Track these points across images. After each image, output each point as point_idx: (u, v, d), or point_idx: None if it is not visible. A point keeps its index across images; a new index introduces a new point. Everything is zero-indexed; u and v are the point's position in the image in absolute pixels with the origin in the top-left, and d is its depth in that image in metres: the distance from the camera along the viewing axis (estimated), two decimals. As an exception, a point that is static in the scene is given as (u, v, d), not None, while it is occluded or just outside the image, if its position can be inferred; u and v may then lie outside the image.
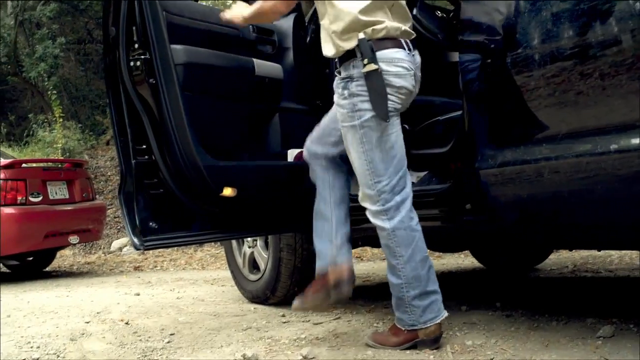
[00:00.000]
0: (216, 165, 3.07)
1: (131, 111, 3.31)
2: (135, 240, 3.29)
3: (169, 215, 3.42)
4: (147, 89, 3.24)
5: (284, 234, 4.27)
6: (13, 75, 16.72)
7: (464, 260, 6.70)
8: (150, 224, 3.33)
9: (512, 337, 3.20)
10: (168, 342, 3.68)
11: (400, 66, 2.92)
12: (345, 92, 2.98)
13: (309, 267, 4.31)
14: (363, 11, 2.90)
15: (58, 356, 3.50)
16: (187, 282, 6.34)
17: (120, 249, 9.65)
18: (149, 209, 3.34)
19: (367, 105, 2.92)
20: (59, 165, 8.20)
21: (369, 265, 6.92)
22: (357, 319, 3.94)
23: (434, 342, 3.07)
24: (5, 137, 15.47)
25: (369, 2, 2.91)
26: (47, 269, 8.51)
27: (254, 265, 4.69)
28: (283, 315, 4.16)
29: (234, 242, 4.87)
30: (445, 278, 5.57)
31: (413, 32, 3.09)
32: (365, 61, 2.86)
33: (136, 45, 3.25)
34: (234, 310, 4.52)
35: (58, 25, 17.80)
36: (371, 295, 4.70)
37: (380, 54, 2.89)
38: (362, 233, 3.99)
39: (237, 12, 3.36)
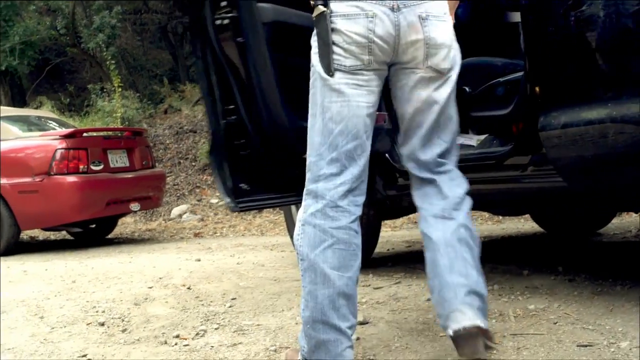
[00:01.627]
0: (302, 126, 2.95)
1: (219, 71, 3.26)
2: (229, 201, 3.19)
3: (258, 176, 3.35)
4: (234, 48, 3.18)
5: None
6: (72, 46, 16.91)
7: (524, 224, 6.62)
8: (242, 185, 3.26)
9: (575, 301, 3.16)
10: (230, 306, 3.71)
11: (354, 6, 2.32)
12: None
13: (367, 231, 4.32)
14: None
15: (123, 320, 3.56)
16: (246, 248, 6.39)
17: (180, 215, 9.76)
18: (239, 170, 3.27)
19: (316, 59, 2.40)
20: (119, 134, 8.30)
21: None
22: (418, 283, 3.93)
23: None
24: (66, 107, 15.69)
25: None
26: (109, 236, 8.65)
27: (313, 231, 4.69)
28: (343, 280, 4.16)
29: (293, 208, 4.88)
30: (506, 242, 5.53)
31: None
32: (312, 3, 2.38)
33: (223, 3, 3.18)
34: (294, 275, 4.54)
35: (114, -6, 17.96)
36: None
37: None
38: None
39: None
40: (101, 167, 7.29)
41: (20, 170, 7.04)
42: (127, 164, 7.71)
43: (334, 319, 2.28)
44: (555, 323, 2.82)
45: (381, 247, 5.17)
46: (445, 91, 2.45)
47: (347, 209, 2.35)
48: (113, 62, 14.28)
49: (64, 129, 7.89)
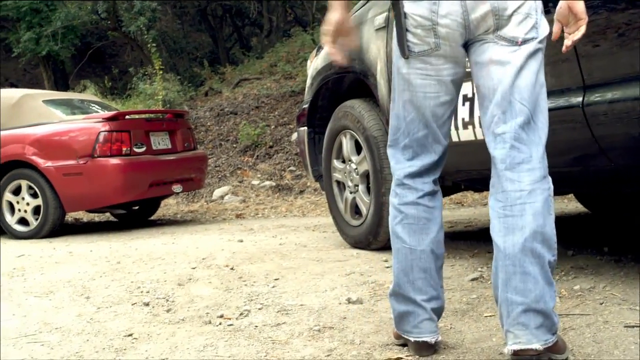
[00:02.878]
0: None
1: None
2: None
3: None
4: None
5: (387, 178, 4.24)
6: (113, 30, 17.05)
7: (568, 204, 6.56)
8: None
9: (621, 282, 3.13)
10: (273, 286, 3.73)
11: None
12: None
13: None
14: None
15: (167, 300, 3.59)
16: (288, 229, 6.41)
17: (222, 197, 9.80)
18: None
19: (394, 43, 2.39)
20: (161, 116, 8.34)
21: (469, 210, 6.85)
22: (461, 263, 3.92)
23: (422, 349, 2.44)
24: (109, 90, 15.83)
25: None
26: (152, 217, 8.72)
27: (355, 211, 4.70)
28: (386, 260, 4.16)
29: (335, 188, 4.89)
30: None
31: None
32: None
33: None
34: (337, 255, 4.55)
35: (155, -21, 18.05)
36: (474, 240, 4.66)
37: None
38: (464, 175, 3.96)
39: (329, 20, 2.47)
40: (144, 149, 7.34)
41: (65, 153, 7.11)
42: (169, 146, 7.76)
43: (408, 292, 2.40)
44: (602, 304, 2.80)
45: (423, 228, 5.14)
46: (522, 54, 2.22)
47: (413, 186, 2.42)
48: (154, 45, 14.37)
49: (106, 112, 7.95)
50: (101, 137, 6.96)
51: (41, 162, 7.09)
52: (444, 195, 5.00)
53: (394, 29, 2.37)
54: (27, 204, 7.25)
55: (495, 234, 2.26)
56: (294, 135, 10.44)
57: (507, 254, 2.19)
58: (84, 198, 7.15)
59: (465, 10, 2.21)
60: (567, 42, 2.29)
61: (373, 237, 4.46)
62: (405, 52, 2.31)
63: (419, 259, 2.38)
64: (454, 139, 3.61)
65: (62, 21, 15.98)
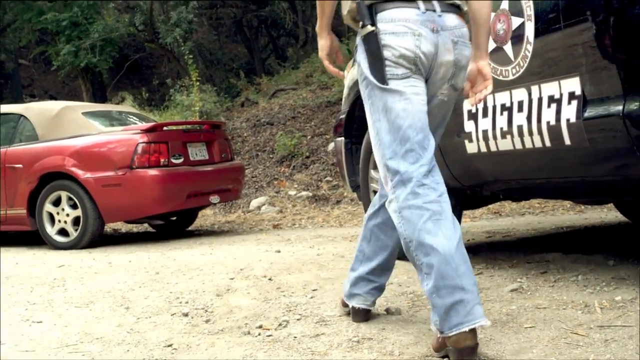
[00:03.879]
0: None
1: None
2: None
3: None
4: None
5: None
6: (150, 42, 17.19)
7: (607, 214, 6.49)
8: None
9: (664, 292, 3.09)
10: (311, 297, 3.73)
11: (401, 25, 2.66)
12: (356, 60, 2.84)
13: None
14: None
15: (206, 311, 3.61)
16: (325, 239, 6.41)
17: (259, 207, 9.83)
18: None
19: (368, 72, 2.73)
20: (199, 127, 8.40)
21: (507, 220, 6.80)
22: (500, 274, 3.89)
23: (464, 354, 2.47)
24: (146, 102, 15.96)
25: None
26: (189, 228, 8.77)
27: (393, 222, 4.68)
28: (424, 271, 4.14)
29: (373, 198, 4.87)
30: (589, 232, 5.43)
31: None
32: (361, 24, 2.73)
33: None
34: (374, 266, 4.53)
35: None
36: (512, 250, 4.62)
37: (380, 15, 2.70)
38: (503, 185, 3.94)
39: (322, 46, 3.05)
40: (181, 160, 7.39)
41: (103, 164, 7.19)
42: (207, 157, 7.81)
43: (455, 280, 2.49)
44: (644, 314, 2.76)
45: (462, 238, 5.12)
46: (449, 107, 2.92)
47: (431, 186, 2.63)
48: (190, 56, 14.47)
49: (144, 123, 8.02)
50: (139, 149, 7.03)
51: (81, 174, 7.17)
52: (482, 205, 5.00)
53: (362, 60, 2.75)
54: (67, 214, 7.33)
55: None
56: (331, 146, 10.44)
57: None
58: (123, 209, 7.21)
59: (436, 52, 2.69)
60: (476, 98, 2.85)
61: (411, 248, 4.44)
62: (385, 80, 2.68)
63: (456, 248, 2.53)
64: (492, 148, 3.60)
65: (100, 34, 16.15)
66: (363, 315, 3.16)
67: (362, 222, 7.48)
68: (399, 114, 2.67)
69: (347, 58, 5.38)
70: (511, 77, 3.44)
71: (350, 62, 5.26)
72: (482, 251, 4.70)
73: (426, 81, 2.75)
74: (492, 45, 3.53)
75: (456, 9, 2.80)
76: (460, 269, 2.50)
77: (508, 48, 3.45)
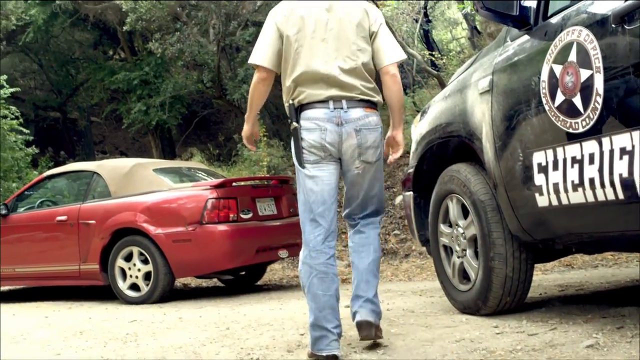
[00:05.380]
0: None
1: None
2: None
3: None
4: None
5: (495, 242, 4.20)
6: (218, 98, 17.47)
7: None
8: None
9: None
10: (382, 354, 3.71)
11: (313, 122, 3.73)
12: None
13: (521, 276, 4.24)
14: (292, 86, 3.83)
15: (278, 367, 3.61)
16: (395, 294, 6.37)
17: (327, 262, 9.81)
18: None
19: (294, 156, 3.80)
20: (267, 183, 8.48)
21: (580, 273, 6.67)
22: (574, 329, 3.81)
23: None
24: (215, 157, 16.18)
25: (293, 78, 3.81)
26: (258, 282, 8.80)
27: (464, 276, 4.64)
28: (496, 326, 4.08)
29: (442, 253, 4.85)
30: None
31: (357, 95, 3.80)
32: (289, 121, 3.81)
33: None
34: (445, 321, 4.49)
35: (256, 47, 18.43)
36: (587, 304, 4.53)
37: (302, 114, 3.78)
38: (575, 238, 3.89)
39: (245, 130, 4.18)
40: (250, 215, 7.46)
41: (174, 220, 7.30)
42: (275, 212, 7.87)
43: (322, 322, 3.66)
44: None
45: (533, 292, 5.04)
46: (369, 175, 3.95)
47: (323, 250, 3.74)
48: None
49: (214, 179, 8.13)
50: (209, 204, 7.12)
51: (152, 229, 7.28)
52: (554, 259, 4.94)
53: (292, 147, 3.82)
54: (139, 270, 7.44)
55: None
56: (398, 199, 10.43)
57: (360, 270, 3.95)
58: (193, 264, 7.29)
59: (340, 140, 3.77)
60: (390, 159, 4.13)
61: (482, 303, 4.39)
62: (302, 163, 3.76)
63: (329, 300, 3.73)
64: (564, 201, 3.56)
65: (170, 91, 16.50)
66: None
67: (431, 276, 7.44)
68: (308, 191, 3.79)
69: (414, 113, 5.41)
70: (581, 130, 3.40)
71: (417, 117, 5.29)
72: (555, 305, 4.62)
73: (342, 160, 3.85)
74: (560, 97, 3.52)
75: (365, 103, 3.83)
76: (328, 316, 3.66)
77: (577, 100, 3.42)
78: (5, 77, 13.76)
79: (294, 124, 3.76)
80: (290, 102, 3.82)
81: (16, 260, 8.37)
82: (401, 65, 3.99)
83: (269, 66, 3.89)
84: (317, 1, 3.87)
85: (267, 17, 3.97)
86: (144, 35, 18.17)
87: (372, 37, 3.90)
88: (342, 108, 3.75)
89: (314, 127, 3.72)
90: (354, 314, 3.93)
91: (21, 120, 14.04)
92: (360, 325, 3.86)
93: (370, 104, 3.86)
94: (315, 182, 3.77)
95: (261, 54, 3.89)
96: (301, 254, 3.81)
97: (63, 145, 22.69)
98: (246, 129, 4.17)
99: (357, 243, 4.03)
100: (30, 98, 22.06)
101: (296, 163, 3.80)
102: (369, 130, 3.81)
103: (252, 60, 3.93)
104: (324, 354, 3.62)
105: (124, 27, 15.49)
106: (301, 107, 3.79)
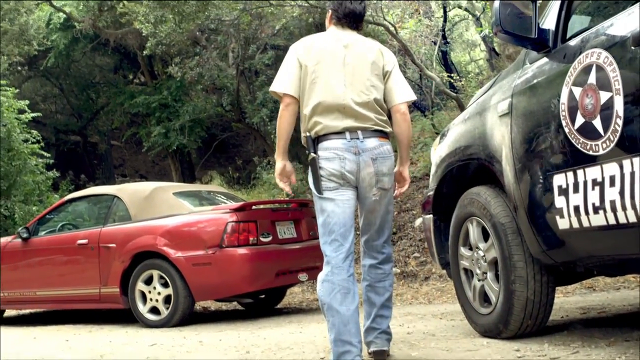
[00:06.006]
0: None
1: None
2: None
3: None
4: None
5: (516, 265, 4.19)
6: (237, 121, 17.57)
7: None
8: None
9: None
10: (404, 377, 3.70)
11: (331, 152, 3.93)
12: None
13: (542, 298, 4.21)
14: (308, 116, 4.02)
15: (298, 391, 3.60)
16: (415, 317, 6.35)
17: (347, 284, 9.78)
18: None
19: (312, 184, 4.00)
20: (286, 206, 8.49)
21: (602, 295, 6.63)
22: (597, 352, 3.79)
23: None
24: (234, 180, 16.22)
25: (310, 108, 4.00)
26: (278, 305, 8.78)
27: (484, 299, 4.62)
28: (517, 350, 4.06)
29: (463, 276, 4.83)
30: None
31: (371, 125, 4.02)
32: (307, 152, 4.00)
33: None
34: (466, 345, 4.47)
35: (274, 71, 18.50)
36: (609, 327, 4.50)
37: (319, 145, 3.97)
38: (597, 261, 3.87)
39: (277, 167, 4.24)
40: (270, 238, 7.47)
41: (194, 243, 7.31)
42: (295, 235, 7.87)
43: (347, 336, 3.77)
44: None
45: (555, 314, 5.01)
46: (385, 201, 4.14)
47: (344, 268, 3.89)
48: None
49: (233, 203, 8.15)
50: (229, 228, 7.13)
51: (172, 253, 7.30)
52: (575, 282, 4.91)
53: (309, 175, 4.02)
54: (159, 293, 7.45)
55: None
56: (418, 221, 10.37)
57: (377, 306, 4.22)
58: (213, 287, 7.29)
59: (358, 169, 3.96)
60: (397, 192, 4.35)
61: (503, 326, 4.37)
62: (321, 190, 3.94)
63: (352, 315, 3.82)
64: (585, 224, 3.54)
65: (189, 115, 16.60)
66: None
67: (452, 299, 7.40)
68: (329, 213, 3.95)
69: (433, 135, 5.41)
70: (601, 152, 3.40)
71: (436, 139, 5.29)
72: (578, 328, 4.59)
73: (359, 187, 4.02)
74: (580, 120, 3.51)
75: (378, 133, 4.04)
76: (352, 330, 3.77)
77: (597, 122, 3.41)
78: (27, 102, 13.89)
79: (312, 154, 3.95)
80: (308, 133, 4.02)
81: (37, 284, 8.41)
82: (420, 88, 4.15)
83: (290, 92, 4.05)
84: (336, 38, 4.13)
85: (288, 50, 4.19)
86: (163, 60, 18.33)
87: (385, 76, 4.15)
88: (358, 138, 3.97)
89: (334, 157, 3.92)
90: (368, 343, 4.23)
91: (42, 144, 14.16)
92: (377, 354, 4.20)
93: (384, 134, 4.09)
94: (337, 204, 3.94)
95: (282, 82, 4.07)
96: (321, 274, 3.95)
97: (83, 168, 22.87)
98: (278, 167, 4.22)
99: (373, 278, 4.26)
100: (51, 122, 22.28)
101: (314, 191, 3.99)
102: (384, 158, 4.03)
103: (273, 88, 4.11)
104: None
105: (144, 52, 15.64)
106: (318, 138, 3.99)
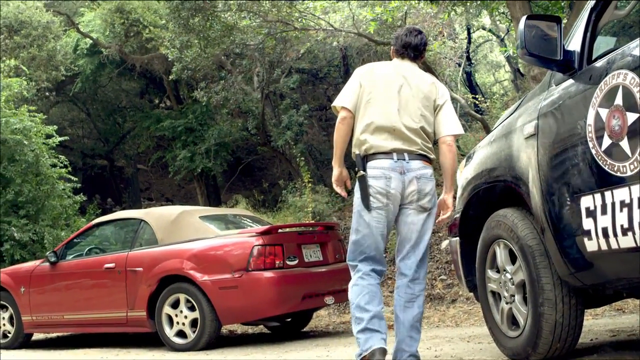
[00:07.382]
0: None
1: None
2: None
3: None
4: None
5: (544, 288, 4.15)
6: (262, 145, 17.62)
7: None
8: None
9: None
10: (432, 401, 3.67)
11: (379, 171, 4.30)
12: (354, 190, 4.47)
13: (571, 321, 4.17)
14: (359, 133, 4.41)
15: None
16: (442, 340, 6.31)
17: (373, 307, 9.75)
18: None
19: (357, 199, 4.38)
20: (312, 229, 8.49)
21: (632, 317, 6.56)
22: (628, 376, 3.75)
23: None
24: (260, 203, 16.26)
25: (362, 126, 4.39)
26: (305, 329, 8.76)
27: (512, 322, 4.59)
28: (546, 373, 4.02)
29: (490, 299, 4.80)
30: None
31: (417, 149, 4.41)
32: (356, 169, 4.36)
33: None
34: (495, 368, 4.44)
35: (299, 94, 18.63)
36: (638, 350, 4.45)
37: (368, 164, 4.34)
38: (626, 283, 3.83)
39: (335, 174, 4.63)
40: (296, 262, 7.47)
41: (220, 267, 7.33)
42: (321, 258, 7.87)
43: (374, 326, 4.21)
44: None
45: (584, 337, 4.96)
46: (423, 221, 4.50)
47: (372, 276, 4.39)
48: (302, 158, 14.71)
49: (259, 226, 8.17)
50: (255, 251, 7.15)
51: (198, 276, 7.32)
52: (604, 304, 4.86)
53: (359, 192, 4.38)
54: (185, 316, 7.46)
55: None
56: (444, 243, 10.34)
57: (406, 326, 4.41)
58: (239, 311, 7.30)
59: (403, 187, 4.34)
60: (440, 219, 4.63)
61: (532, 349, 4.33)
62: (370, 207, 4.31)
63: (377, 312, 4.29)
64: (613, 246, 3.51)
65: (215, 138, 16.68)
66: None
67: (479, 322, 7.35)
68: (364, 235, 4.38)
69: (459, 158, 5.41)
70: (629, 173, 3.37)
71: (462, 162, 5.28)
72: (607, 352, 4.54)
73: (402, 205, 4.39)
74: (607, 141, 3.49)
75: (422, 157, 4.43)
76: (379, 322, 4.23)
77: (624, 144, 3.40)
78: (55, 127, 14.02)
79: (362, 172, 4.32)
80: (357, 152, 4.39)
81: (65, 307, 8.46)
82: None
83: (347, 105, 4.45)
84: (395, 67, 4.56)
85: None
86: (189, 84, 18.46)
87: (436, 109, 4.53)
88: (404, 159, 4.34)
89: (380, 175, 4.29)
90: None
91: (69, 168, 14.26)
92: None
93: (427, 159, 4.47)
94: (371, 230, 4.35)
95: (342, 98, 4.49)
96: (350, 282, 4.46)
97: (110, 192, 23.01)
98: (335, 173, 4.62)
99: (403, 298, 4.45)
100: (78, 146, 22.46)
101: (359, 207, 4.37)
102: (427, 180, 4.42)
103: (334, 103, 4.53)
104: (377, 346, 4.15)
105: (169, 76, 15.78)
106: (367, 157, 4.36)
